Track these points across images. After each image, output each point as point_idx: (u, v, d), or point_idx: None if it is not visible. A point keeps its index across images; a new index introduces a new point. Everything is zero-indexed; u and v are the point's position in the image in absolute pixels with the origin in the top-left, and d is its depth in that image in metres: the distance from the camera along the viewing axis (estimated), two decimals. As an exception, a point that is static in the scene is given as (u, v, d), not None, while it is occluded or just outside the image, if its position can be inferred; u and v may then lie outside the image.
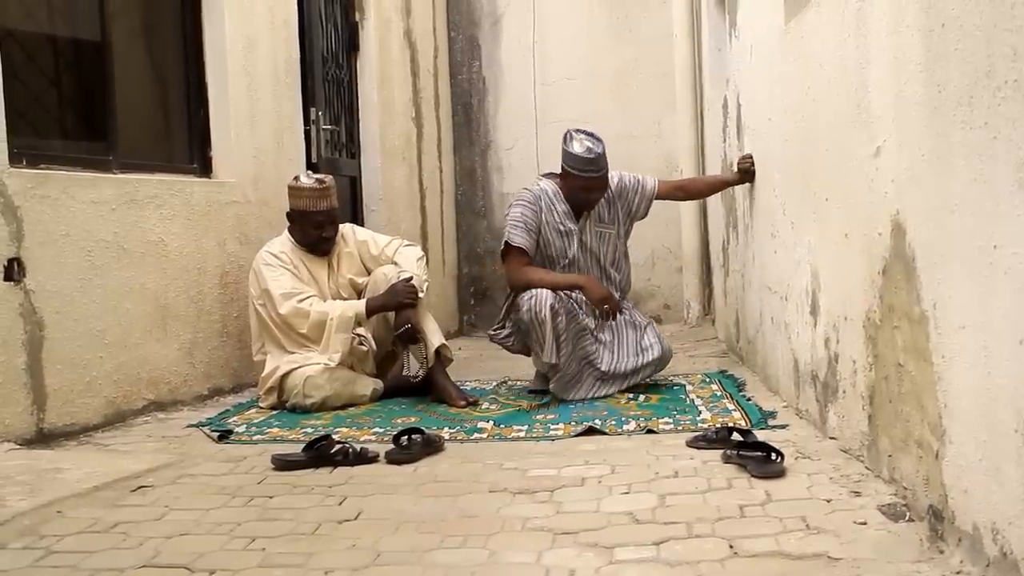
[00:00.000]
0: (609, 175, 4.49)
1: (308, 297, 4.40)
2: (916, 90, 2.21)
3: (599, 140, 4.40)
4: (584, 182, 4.38)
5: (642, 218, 4.72)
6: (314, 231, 4.48)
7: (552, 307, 4.22)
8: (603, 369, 4.37)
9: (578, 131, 4.46)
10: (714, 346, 5.95)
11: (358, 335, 4.47)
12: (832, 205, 3.04)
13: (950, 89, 2.01)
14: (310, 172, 4.67)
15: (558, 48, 7.77)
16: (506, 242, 4.46)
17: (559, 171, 4.49)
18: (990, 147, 1.81)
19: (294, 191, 4.51)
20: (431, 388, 4.41)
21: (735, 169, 4.68)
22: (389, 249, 4.65)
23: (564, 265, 4.49)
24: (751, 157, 4.47)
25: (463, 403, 4.23)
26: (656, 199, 4.69)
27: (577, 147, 4.35)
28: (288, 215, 4.55)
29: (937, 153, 2.10)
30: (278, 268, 4.42)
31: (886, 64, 2.43)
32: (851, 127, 2.76)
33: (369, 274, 4.62)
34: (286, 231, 4.58)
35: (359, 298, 4.55)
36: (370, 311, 4.41)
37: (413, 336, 4.39)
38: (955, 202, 2.01)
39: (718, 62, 5.72)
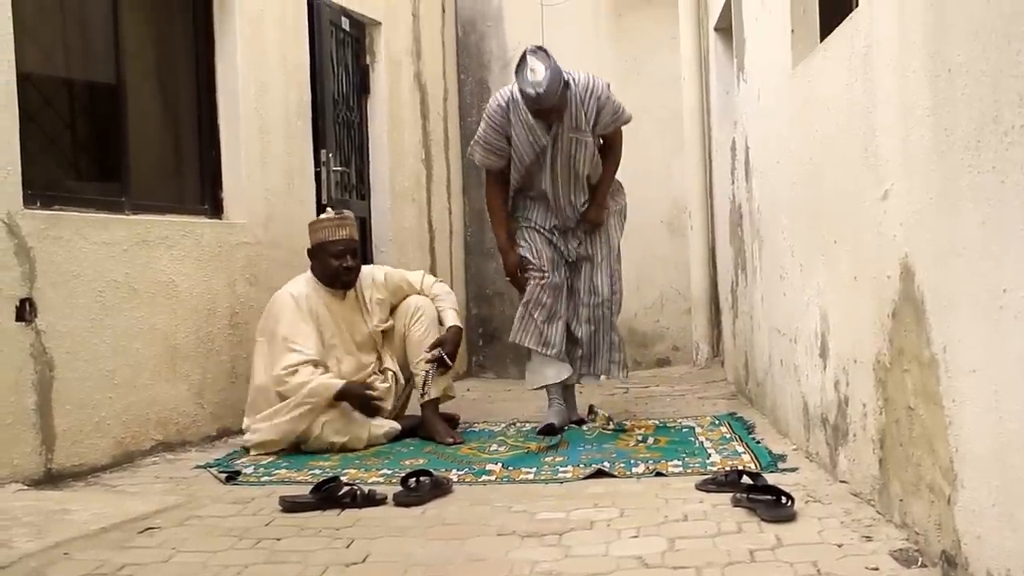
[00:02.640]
0: (589, 80, 4.46)
1: (308, 363, 4.27)
2: (923, 134, 2.23)
3: (549, 64, 4.22)
4: (534, 113, 4.37)
5: (604, 134, 4.63)
6: (334, 262, 4.42)
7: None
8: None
9: (533, 53, 4.28)
10: (723, 388, 5.93)
11: (387, 369, 4.56)
12: (841, 248, 3.05)
13: (957, 133, 2.02)
14: (330, 209, 4.70)
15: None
16: None
17: None
18: (998, 191, 1.82)
19: (313, 225, 4.54)
20: (420, 424, 4.44)
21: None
22: (426, 282, 4.74)
23: (536, 174, 4.52)
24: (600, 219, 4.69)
25: (450, 440, 4.27)
26: (609, 134, 4.63)
27: (525, 80, 4.24)
28: (309, 252, 4.52)
29: (945, 197, 2.11)
30: (293, 315, 4.32)
31: (893, 108, 2.45)
32: (859, 170, 2.77)
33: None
34: (308, 271, 4.53)
35: (386, 340, 4.63)
36: (338, 396, 4.26)
37: (445, 363, 4.51)
38: (963, 246, 2.01)
39: (726, 105, 5.75)
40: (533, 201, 4.65)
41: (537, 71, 4.21)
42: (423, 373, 4.49)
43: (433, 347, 4.52)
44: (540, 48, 4.34)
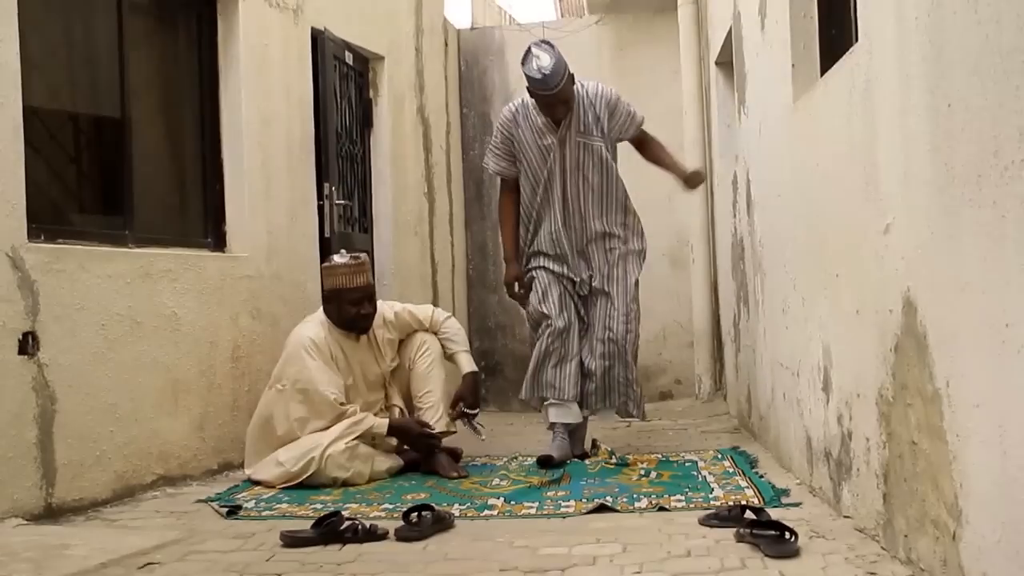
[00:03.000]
0: (596, 86, 4.62)
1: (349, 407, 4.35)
2: (924, 168, 2.23)
3: (554, 54, 4.39)
4: (540, 99, 4.47)
5: (623, 140, 4.76)
6: (351, 308, 4.41)
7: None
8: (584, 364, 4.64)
9: (537, 44, 4.46)
10: (726, 421, 5.91)
11: (394, 405, 4.58)
12: (843, 281, 3.05)
13: (958, 168, 2.02)
14: (343, 251, 4.65)
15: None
16: None
17: None
18: (999, 226, 1.82)
19: (328, 271, 4.48)
20: (423, 458, 4.42)
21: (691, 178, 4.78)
22: (435, 318, 4.74)
23: (545, 180, 4.58)
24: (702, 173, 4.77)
25: (454, 474, 4.26)
26: (632, 138, 4.77)
27: (530, 66, 4.38)
28: (324, 296, 4.50)
29: (946, 231, 2.11)
30: (318, 359, 4.32)
31: (894, 142, 2.46)
32: (861, 204, 2.78)
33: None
34: (321, 312, 4.52)
35: (392, 375, 4.66)
36: (391, 431, 4.40)
37: (468, 415, 4.65)
38: (966, 280, 2.01)
39: (727, 138, 5.78)
40: (545, 222, 4.64)
41: (542, 57, 4.36)
42: (456, 430, 4.64)
43: (454, 403, 4.63)
44: (545, 41, 4.51)
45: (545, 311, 4.59)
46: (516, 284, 4.70)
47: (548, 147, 4.57)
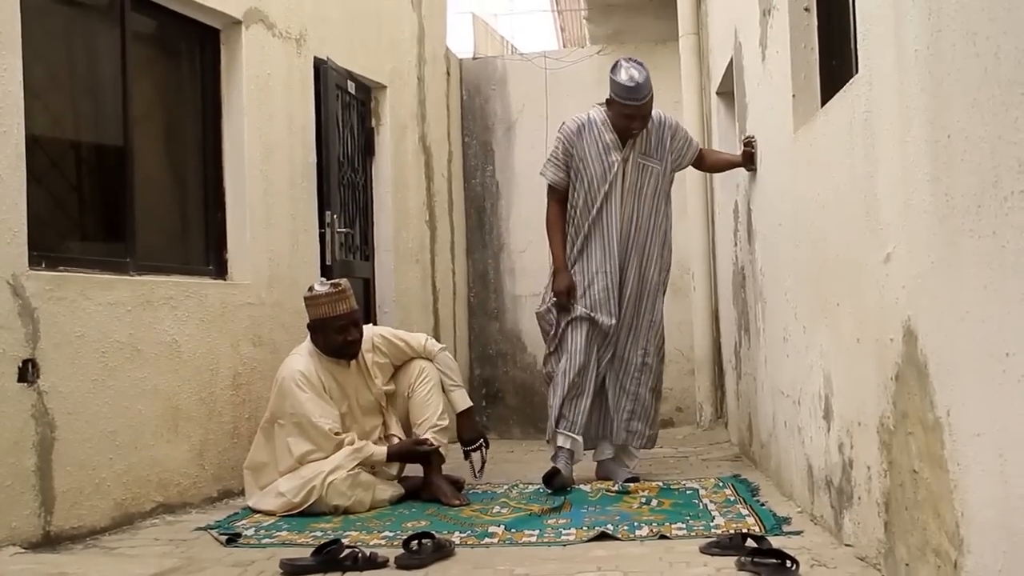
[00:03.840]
0: (659, 113, 4.74)
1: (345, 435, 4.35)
2: (924, 198, 2.24)
3: (644, 70, 4.55)
4: (625, 109, 4.54)
5: (682, 169, 4.94)
6: (338, 336, 4.40)
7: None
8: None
9: (627, 60, 4.63)
10: (727, 449, 5.90)
11: (393, 435, 4.57)
12: (843, 310, 3.05)
13: (957, 198, 2.03)
14: (323, 279, 4.63)
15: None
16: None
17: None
18: (999, 256, 1.83)
19: (310, 301, 4.44)
20: (424, 486, 4.40)
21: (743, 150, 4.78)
22: (429, 347, 4.72)
23: (603, 194, 4.64)
24: (754, 140, 4.61)
25: (456, 502, 4.25)
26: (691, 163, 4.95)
27: (622, 76, 4.52)
28: (309, 327, 4.48)
29: (947, 261, 2.12)
30: (310, 392, 4.30)
31: (894, 172, 2.47)
32: (861, 233, 2.79)
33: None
34: (309, 339, 4.50)
35: (389, 403, 4.66)
36: (391, 457, 4.42)
37: (475, 445, 4.71)
38: (966, 309, 2.01)
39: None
40: (597, 239, 4.69)
41: (634, 69, 4.54)
42: (472, 465, 4.72)
43: (466, 444, 4.72)
44: (633, 58, 4.67)
45: (566, 346, 4.69)
46: (569, 293, 4.69)
47: (612, 164, 4.65)
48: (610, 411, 4.77)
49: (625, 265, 4.69)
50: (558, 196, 4.77)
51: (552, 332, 4.77)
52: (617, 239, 4.67)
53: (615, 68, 4.58)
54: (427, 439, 4.48)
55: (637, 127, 4.62)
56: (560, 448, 4.68)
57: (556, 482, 4.45)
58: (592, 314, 4.65)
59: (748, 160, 4.67)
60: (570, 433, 4.68)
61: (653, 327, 4.77)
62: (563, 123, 4.80)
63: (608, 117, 4.67)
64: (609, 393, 4.76)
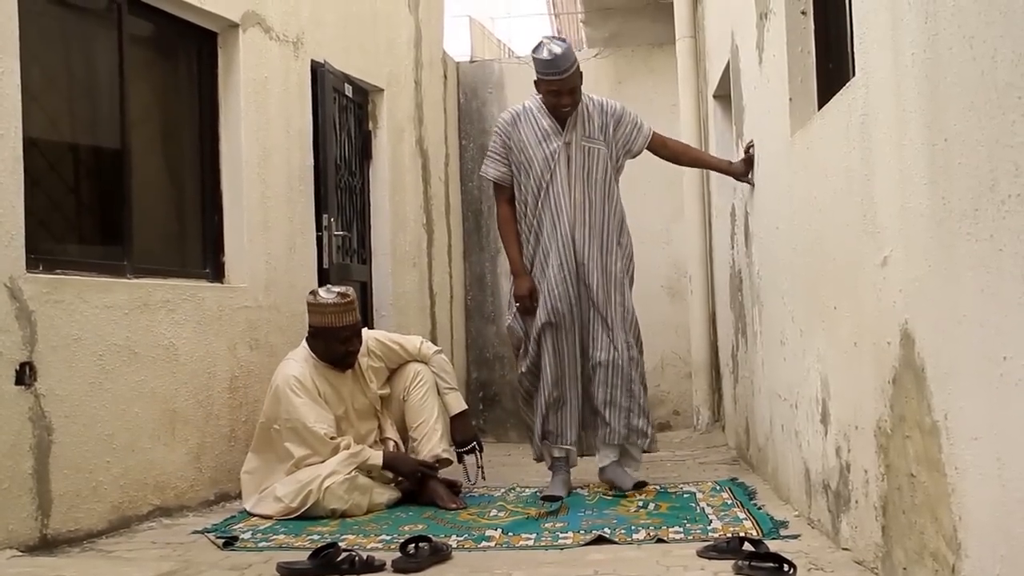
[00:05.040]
0: (604, 99, 4.59)
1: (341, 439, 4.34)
2: (921, 202, 2.25)
3: (565, 44, 4.39)
4: (550, 85, 4.38)
5: (635, 155, 4.68)
6: (340, 347, 4.40)
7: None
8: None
9: (548, 37, 4.47)
10: (724, 453, 5.90)
11: (388, 439, 4.57)
12: (841, 313, 3.05)
13: (954, 202, 2.04)
14: (329, 286, 4.61)
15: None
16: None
17: None
18: (996, 259, 1.83)
19: (315, 308, 4.42)
20: (422, 489, 4.39)
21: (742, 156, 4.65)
22: (424, 350, 4.71)
23: (547, 186, 4.44)
24: (752, 147, 4.48)
25: (453, 506, 4.25)
26: (647, 147, 4.68)
27: (542, 52, 4.35)
28: (310, 332, 4.47)
29: (944, 264, 2.12)
30: (305, 397, 4.30)
31: (891, 176, 2.47)
32: (858, 237, 2.79)
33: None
34: (305, 344, 4.50)
35: (384, 407, 4.65)
36: (386, 465, 4.38)
37: (470, 450, 4.69)
38: (963, 313, 2.02)
39: (725, 170, 5.79)
40: (546, 230, 4.47)
41: (553, 46, 4.35)
42: (453, 460, 4.65)
43: (459, 446, 4.70)
44: (556, 37, 4.49)
45: (540, 361, 4.50)
46: (531, 296, 4.48)
47: (553, 151, 4.45)
48: (603, 413, 4.49)
49: (584, 258, 4.45)
50: (505, 194, 4.57)
51: (522, 347, 4.59)
52: (570, 229, 4.44)
53: (536, 47, 4.40)
54: (429, 464, 4.46)
55: (567, 103, 4.41)
56: (556, 461, 4.53)
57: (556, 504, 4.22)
58: (559, 317, 4.44)
59: (747, 166, 4.53)
60: (563, 445, 4.51)
61: (627, 319, 4.53)
62: (499, 117, 4.67)
63: (542, 102, 4.50)
64: (599, 394, 4.49)
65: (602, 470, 4.59)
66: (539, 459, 4.67)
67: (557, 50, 4.33)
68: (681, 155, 4.94)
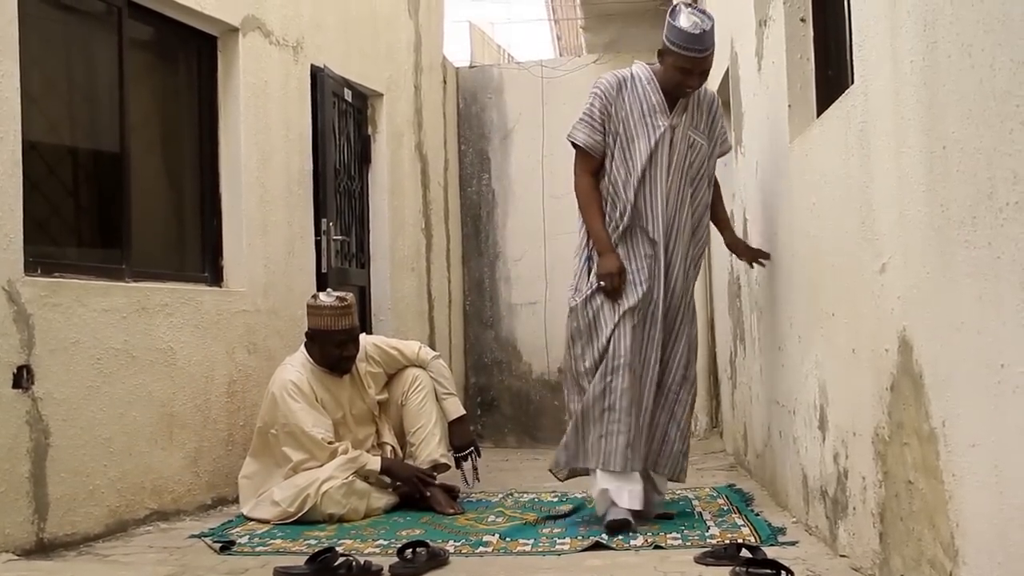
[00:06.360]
0: (713, 91, 4.04)
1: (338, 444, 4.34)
2: (919, 209, 2.25)
3: (710, 19, 3.76)
4: (683, 61, 3.74)
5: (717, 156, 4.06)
6: (335, 350, 4.41)
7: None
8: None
9: (688, 5, 3.92)
10: (722, 459, 5.90)
11: (385, 443, 4.58)
12: (839, 320, 3.06)
13: (953, 209, 2.04)
14: (330, 290, 4.62)
15: (567, 161, 7.79)
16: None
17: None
18: (994, 267, 1.84)
19: (313, 310, 4.45)
20: (420, 494, 4.38)
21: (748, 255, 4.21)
22: (422, 355, 4.72)
23: (644, 166, 3.81)
24: (767, 259, 4.09)
25: (451, 511, 4.25)
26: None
27: (682, 20, 3.73)
28: (307, 334, 4.48)
29: (942, 271, 2.12)
30: (302, 402, 4.30)
31: (890, 183, 2.47)
32: (856, 243, 2.79)
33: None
34: (303, 349, 4.51)
35: (382, 412, 4.65)
36: (384, 470, 4.37)
37: (468, 455, 4.68)
38: (961, 320, 2.02)
39: (724, 177, 5.76)
40: (632, 221, 3.85)
41: (697, 17, 3.74)
42: (451, 465, 4.65)
43: (458, 451, 4.68)
44: (697, 7, 3.91)
45: (621, 352, 3.80)
46: (618, 276, 3.81)
47: (657, 129, 3.84)
48: (649, 431, 3.89)
49: (670, 256, 3.88)
50: (590, 166, 3.92)
51: (590, 333, 3.85)
52: (663, 222, 3.84)
53: (674, 12, 3.77)
54: (429, 475, 4.45)
55: (693, 84, 3.82)
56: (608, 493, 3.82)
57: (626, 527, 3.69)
58: (644, 307, 3.82)
59: (748, 253, 4.14)
60: (625, 470, 3.77)
61: (692, 334, 4.00)
62: (599, 78, 4.00)
63: (656, 74, 3.88)
64: (661, 415, 3.93)
65: None
66: (561, 469, 4.00)
67: (706, 24, 3.72)
68: (714, 202, 4.12)
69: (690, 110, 3.92)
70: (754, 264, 4.22)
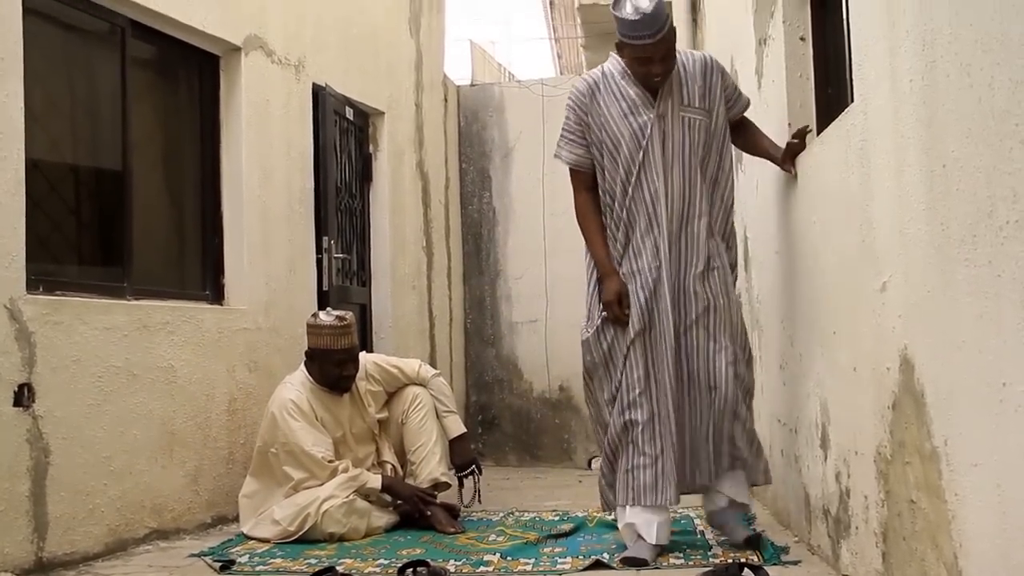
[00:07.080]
0: (703, 55, 3.71)
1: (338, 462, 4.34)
2: (920, 227, 2.25)
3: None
4: (637, 51, 3.47)
5: (732, 117, 3.74)
6: (335, 369, 4.41)
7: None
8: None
9: None
10: (724, 478, 5.87)
11: (386, 462, 4.57)
12: (840, 338, 3.05)
13: (953, 227, 2.04)
14: (330, 309, 4.63)
15: (567, 179, 7.86)
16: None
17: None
18: (994, 285, 1.83)
19: (313, 329, 4.46)
20: (420, 513, 4.38)
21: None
22: (423, 373, 4.72)
23: (638, 170, 3.54)
24: (808, 130, 3.58)
25: (451, 530, 4.24)
26: (734, 120, 3.76)
27: (625, 8, 3.43)
28: (307, 353, 4.49)
29: (943, 290, 2.12)
30: (302, 421, 4.29)
31: (890, 201, 2.48)
32: (857, 261, 2.79)
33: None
34: (303, 368, 4.51)
35: (383, 430, 4.65)
36: (384, 489, 4.38)
37: (469, 473, 4.68)
38: (962, 338, 2.02)
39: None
40: (634, 229, 3.60)
41: (640, 1, 3.44)
42: (451, 484, 4.64)
43: (459, 469, 4.69)
44: None
45: (627, 391, 3.56)
46: (617, 304, 3.56)
47: (643, 125, 3.55)
48: (704, 444, 3.63)
49: (685, 254, 3.60)
50: (584, 181, 3.70)
51: (606, 365, 3.62)
52: (667, 221, 3.56)
53: (616, 2, 3.49)
54: (430, 494, 4.45)
55: (659, 72, 3.50)
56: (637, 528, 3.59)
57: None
58: (650, 328, 3.56)
59: (790, 155, 3.56)
60: (656, 504, 3.53)
61: (732, 322, 3.66)
62: (572, 86, 3.79)
63: (627, 68, 3.61)
64: (696, 423, 3.63)
65: (711, 514, 3.85)
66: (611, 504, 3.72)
67: (645, 5, 3.41)
68: (753, 144, 3.86)
69: (677, 89, 3.59)
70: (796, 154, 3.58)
